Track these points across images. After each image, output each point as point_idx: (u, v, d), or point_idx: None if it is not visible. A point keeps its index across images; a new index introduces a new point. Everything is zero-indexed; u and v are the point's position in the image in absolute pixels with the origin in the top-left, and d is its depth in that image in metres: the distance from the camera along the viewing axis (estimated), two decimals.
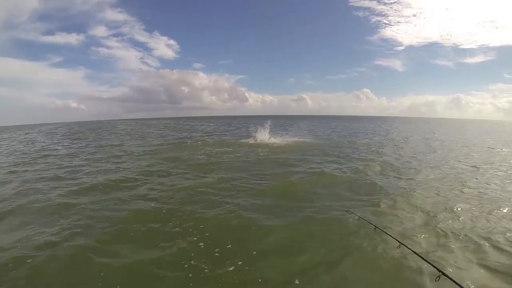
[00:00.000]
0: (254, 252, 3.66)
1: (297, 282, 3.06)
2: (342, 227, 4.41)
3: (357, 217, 4.13)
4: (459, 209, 5.16)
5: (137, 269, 3.33)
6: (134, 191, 6.59)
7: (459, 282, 1.99)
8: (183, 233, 4.24)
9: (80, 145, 17.34)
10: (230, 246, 3.84)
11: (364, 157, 11.01)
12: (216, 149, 13.42)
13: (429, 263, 2.42)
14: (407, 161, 10.23)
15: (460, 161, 10.32)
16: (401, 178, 7.59)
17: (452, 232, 4.17)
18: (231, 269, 3.27)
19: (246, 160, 10.31)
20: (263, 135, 17.23)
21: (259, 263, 3.40)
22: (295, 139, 17.37)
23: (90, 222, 4.75)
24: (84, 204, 5.63)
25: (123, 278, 3.16)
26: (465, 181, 7.15)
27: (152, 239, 4.10)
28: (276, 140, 16.10)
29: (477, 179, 7.49)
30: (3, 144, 20.07)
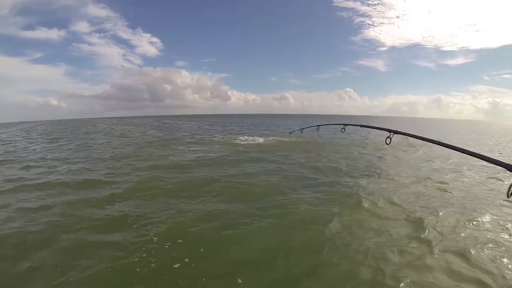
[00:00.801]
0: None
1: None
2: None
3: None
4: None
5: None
6: (104, 192, 6.40)
7: None
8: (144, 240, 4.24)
9: (54, 145, 16.71)
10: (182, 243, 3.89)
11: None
12: (194, 148, 13.41)
13: None
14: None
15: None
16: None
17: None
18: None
19: (221, 159, 10.36)
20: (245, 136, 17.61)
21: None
22: (276, 137, 17.64)
23: (45, 227, 4.54)
24: (48, 208, 5.45)
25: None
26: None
27: (108, 247, 4.01)
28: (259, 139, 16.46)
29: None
30: None
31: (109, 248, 3.82)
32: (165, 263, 3.42)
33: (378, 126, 3.25)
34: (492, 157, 1.62)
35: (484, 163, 1.82)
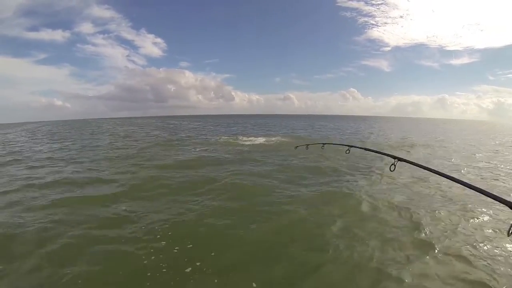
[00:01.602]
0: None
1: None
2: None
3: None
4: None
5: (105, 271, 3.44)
6: (106, 192, 6.56)
7: None
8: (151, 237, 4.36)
9: (60, 145, 16.97)
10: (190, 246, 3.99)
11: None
12: (199, 148, 13.56)
13: None
14: None
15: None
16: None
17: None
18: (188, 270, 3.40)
19: (226, 159, 10.51)
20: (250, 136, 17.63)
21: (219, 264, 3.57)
22: (279, 138, 17.72)
23: (55, 226, 4.71)
24: (52, 207, 5.60)
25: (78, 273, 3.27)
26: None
27: (119, 242, 4.15)
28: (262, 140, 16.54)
29: None
30: None
31: (117, 245, 3.98)
32: (176, 265, 3.53)
33: (381, 151, 3.03)
34: (494, 194, 1.52)
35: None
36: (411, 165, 2.34)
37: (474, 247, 3.88)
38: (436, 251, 3.78)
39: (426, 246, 3.92)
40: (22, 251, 3.86)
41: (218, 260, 3.61)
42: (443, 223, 4.67)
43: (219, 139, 18.29)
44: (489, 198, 1.53)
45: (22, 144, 18.14)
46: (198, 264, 3.48)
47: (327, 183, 7.28)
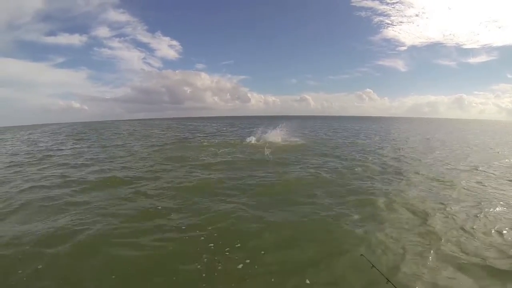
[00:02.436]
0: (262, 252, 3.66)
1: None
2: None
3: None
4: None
5: (149, 262, 3.40)
6: (139, 189, 6.59)
7: None
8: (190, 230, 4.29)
9: (83, 145, 17.36)
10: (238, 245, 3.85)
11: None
12: (221, 150, 13.40)
13: None
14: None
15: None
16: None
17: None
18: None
19: (249, 160, 10.29)
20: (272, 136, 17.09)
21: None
22: (297, 139, 17.21)
23: (97, 219, 4.77)
24: (90, 202, 5.67)
25: (134, 269, 3.27)
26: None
27: (160, 235, 4.15)
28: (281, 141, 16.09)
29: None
30: (7, 145, 20.17)
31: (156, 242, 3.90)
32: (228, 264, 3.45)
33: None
34: None
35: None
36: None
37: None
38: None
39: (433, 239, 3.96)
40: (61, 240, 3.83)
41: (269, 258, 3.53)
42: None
43: (238, 140, 17.73)
44: None
45: (50, 144, 18.72)
46: (247, 261, 3.44)
47: (342, 184, 6.96)
